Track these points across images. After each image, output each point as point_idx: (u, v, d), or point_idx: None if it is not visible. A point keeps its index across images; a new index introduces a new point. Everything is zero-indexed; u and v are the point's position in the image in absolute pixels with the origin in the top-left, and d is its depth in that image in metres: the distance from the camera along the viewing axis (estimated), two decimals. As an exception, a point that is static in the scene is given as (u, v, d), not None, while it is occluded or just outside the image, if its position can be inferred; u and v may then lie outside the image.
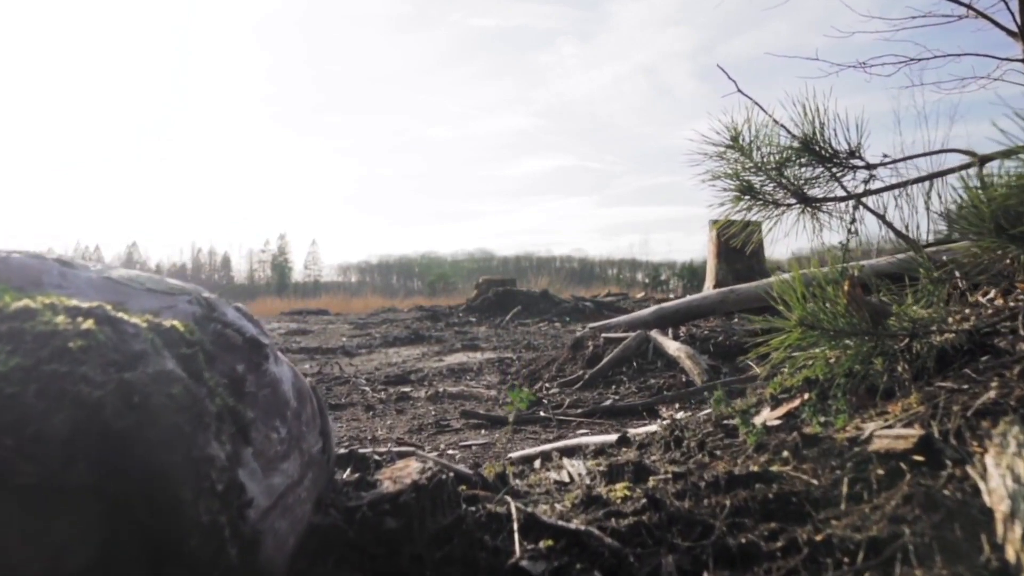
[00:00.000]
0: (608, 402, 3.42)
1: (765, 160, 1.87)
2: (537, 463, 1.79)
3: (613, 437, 1.84)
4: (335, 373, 5.54)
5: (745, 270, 9.78)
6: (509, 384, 4.29)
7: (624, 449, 1.74)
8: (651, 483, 1.29)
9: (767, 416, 1.45)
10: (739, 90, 2.12)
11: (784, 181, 1.84)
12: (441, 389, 4.14)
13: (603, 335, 4.35)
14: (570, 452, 1.94)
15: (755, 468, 1.18)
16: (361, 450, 1.60)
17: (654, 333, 4.06)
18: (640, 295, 17.57)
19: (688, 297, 4.44)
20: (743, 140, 1.90)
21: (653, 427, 2.33)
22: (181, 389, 0.89)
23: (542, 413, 3.23)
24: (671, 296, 15.94)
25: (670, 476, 1.27)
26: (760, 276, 9.81)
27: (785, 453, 1.23)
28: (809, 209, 1.82)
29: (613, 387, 3.75)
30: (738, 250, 9.92)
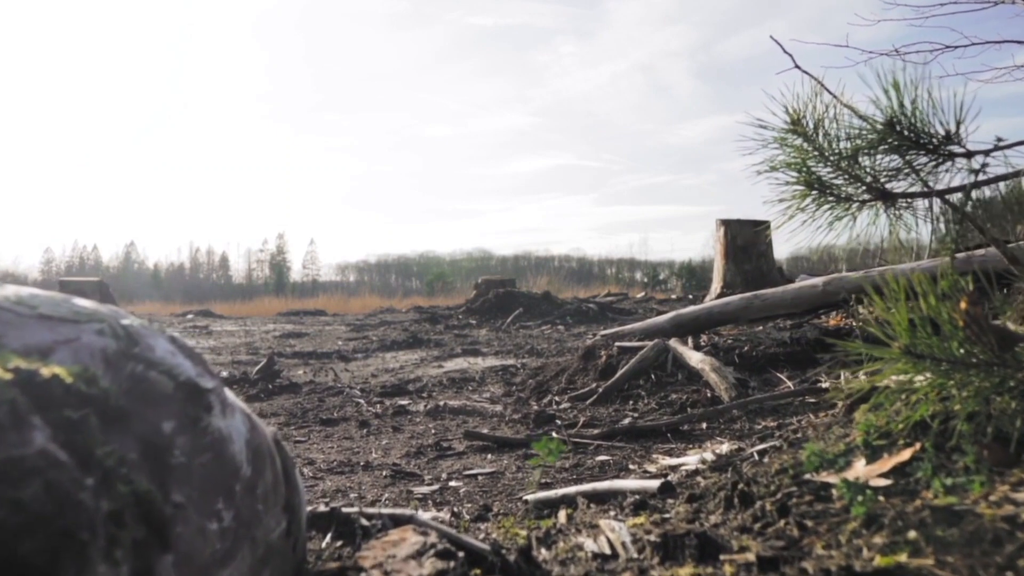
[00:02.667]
0: (627, 420, 3.09)
1: (834, 147, 1.55)
2: (562, 516, 1.48)
3: (653, 484, 1.52)
4: (328, 382, 5.22)
5: (754, 271, 9.44)
6: (515, 397, 3.96)
7: (671, 501, 1.42)
8: (727, 567, 0.97)
9: (865, 472, 1.13)
10: (796, 66, 1.80)
11: (860, 173, 1.52)
12: (441, 403, 3.82)
13: (616, 344, 4.03)
14: (600, 498, 1.62)
15: (879, 559, 0.86)
16: (346, 509, 1.28)
17: (673, 342, 3.74)
18: (640, 295, 17.29)
19: (708, 303, 4.12)
20: (806, 124, 1.58)
21: (690, 459, 2.01)
22: (40, 489, 0.57)
23: (555, 434, 2.91)
24: (672, 296, 15.63)
25: (754, 561, 0.95)
26: (770, 277, 9.47)
27: (912, 534, 0.91)
28: (894, 208, 1.50)
29: (631, 402, 3.42)
30: (746, 250, 9.63)
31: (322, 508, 1.28)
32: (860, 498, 1.00)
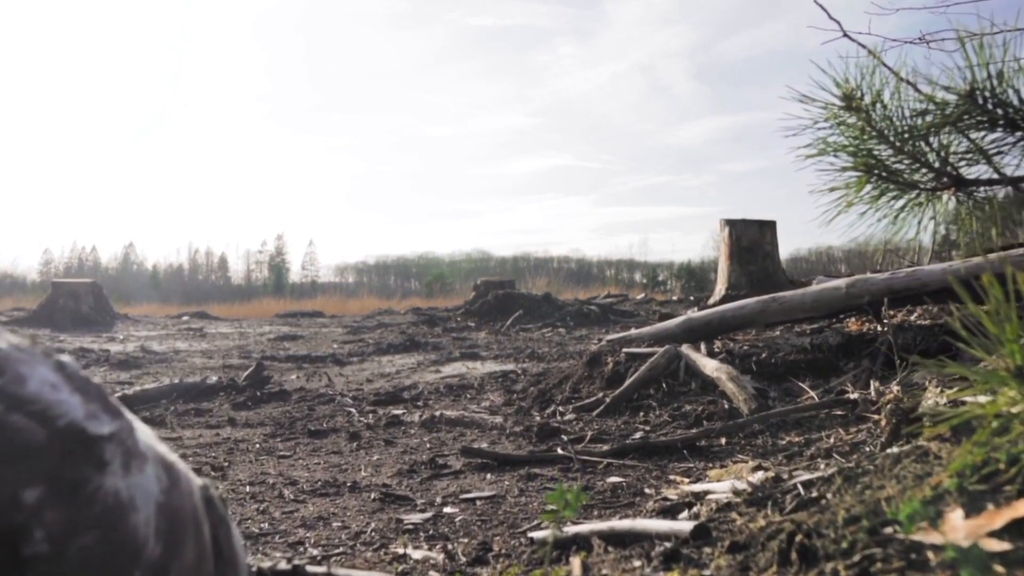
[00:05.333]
0: (639, 435, 2.85)
1: (897, 125, 1.31)
2: (576, 565, 1.23)
3: (685, 527, 1.28)
4: (320, 388, 4.97)
5: (759, 272, 9.19)
6: (516, 407, 3.72)
7: (708, 550, 1.18)
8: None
9: (967, 529, 0.89)
10: (845, 34, 1.58)
11: (930, 156, 1.28)
12: (438, 413, 3.58)
13: (624, 350, 3.79)
14: (620, 540, 1.38)
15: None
16: (311, 568, 1.04)
17: (685, 349, 3.50)
18: (640, 296, 17.10)
19: (721, 306, 3.88)
20: (863, 100, 1.34)
21: (717, 486, 1.77)
22: None
23: (560, 450, 2.67)
24: (673, 297, 15.40)
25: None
26: (775, 278, 9.22)
27: (1061, 628, 0.67)
28: (971, 198, 1.26)
29: (641, 414, 3.18)
30: (751, 251, 9.37)
31: (283, 565, 1.04)
32: (976, 573, 0.76)
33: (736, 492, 1.56)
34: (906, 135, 1.31)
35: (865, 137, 1.29)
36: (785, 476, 1.61)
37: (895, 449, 1.75)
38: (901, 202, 1.28)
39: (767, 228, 9.19)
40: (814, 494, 1.37)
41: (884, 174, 1.28)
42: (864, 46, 1.47)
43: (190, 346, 8.82)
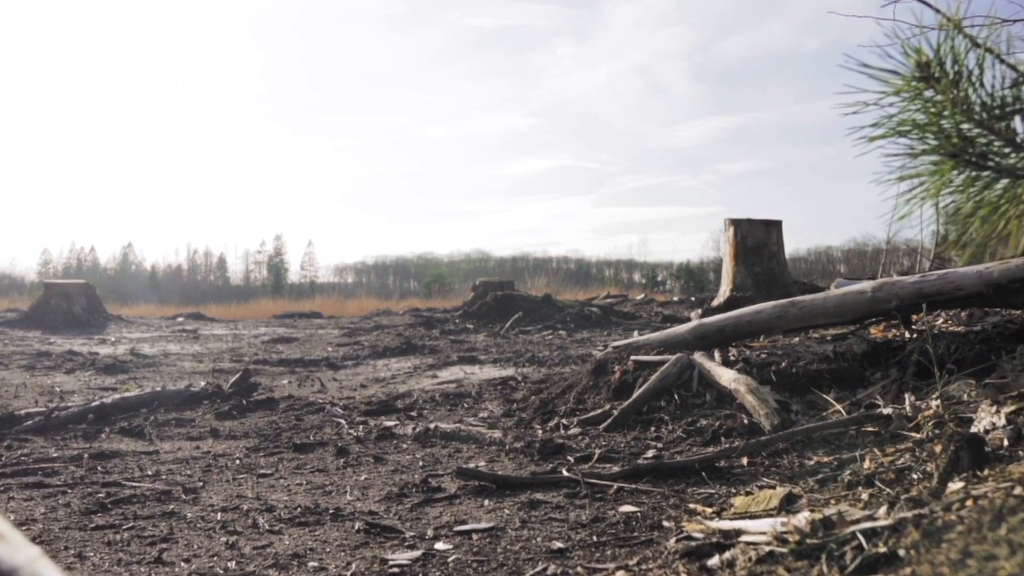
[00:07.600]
0: (651, 453, 2.61)
1: (986, 101, 1.07)
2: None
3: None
4: (310, 396, 4.73)
5: (765, 273, 8.94)
6: (516, 419, 3.48)
7: (762, 632, 0.95)
8: None
9: None
10: (912, -5, 1.33)
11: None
12: (432, 425, 3.33)
13: (632, 357, 3.54)
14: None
15: None
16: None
17: (698, 357, 3.26)
18: (640, 296, 16.85)
19: (736, 311, 3.64)
20: (945, 69, 1.10)
21: (752, 525, 1.53)
22: None
23: (566, 472, 2.42)
24: (673, 298, 15.15)
25: None
26: (781, 280, 8.98)
27: None
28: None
29: (652, 429, 2.94)
30: (757, 252, 9.10)
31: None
32: None
33: (779, 539, 1.32)
34: (996, 112, 1.07)
35: (949, 115, 1.05)
36: (835, 517, 1.37)
37: (957, 484, 1.51)
38: (997, 192, 1.04)
39: (773, 228, 8.94)
40: (881, 548, 1.13)
41: (974, 159, 1.04)
42: (939, 10, 1.23)
43: (182, 349, 8.58)
